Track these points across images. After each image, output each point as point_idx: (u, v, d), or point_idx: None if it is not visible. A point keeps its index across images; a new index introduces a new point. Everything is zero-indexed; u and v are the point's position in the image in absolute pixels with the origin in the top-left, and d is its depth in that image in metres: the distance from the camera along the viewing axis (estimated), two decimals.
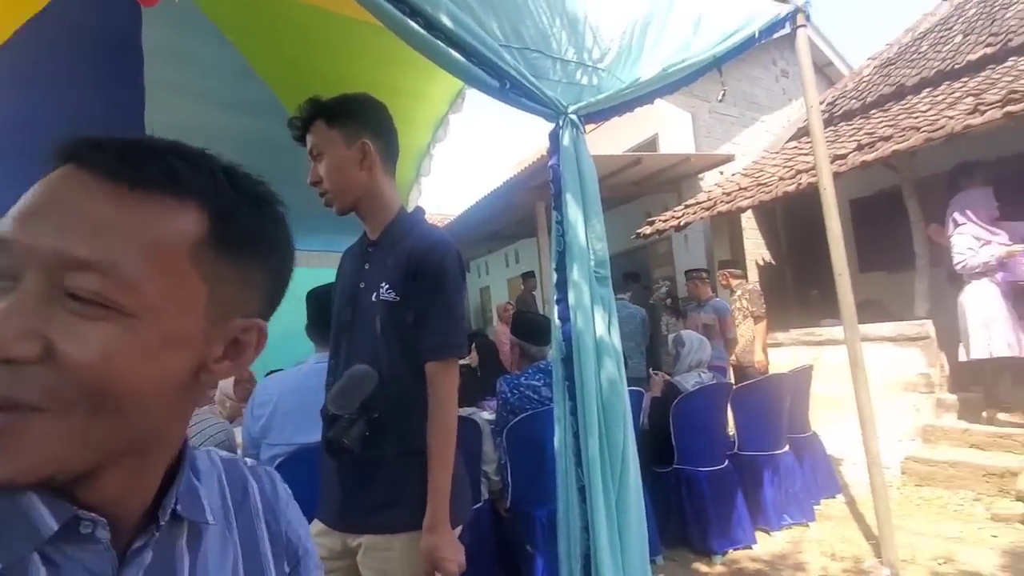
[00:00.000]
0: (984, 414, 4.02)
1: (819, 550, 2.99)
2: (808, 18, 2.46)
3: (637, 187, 7.45)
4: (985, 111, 3.62)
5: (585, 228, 1.46)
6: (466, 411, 2.60)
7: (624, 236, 7.03)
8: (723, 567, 2.89)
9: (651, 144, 8.58)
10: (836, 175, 4.56)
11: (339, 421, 1.14)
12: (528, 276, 7.71)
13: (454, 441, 1.15)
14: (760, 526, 3.25)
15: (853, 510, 3.49)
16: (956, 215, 3.93)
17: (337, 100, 1.25)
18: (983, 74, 4.88)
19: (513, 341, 2.34)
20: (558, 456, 1.55)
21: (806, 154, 5.37)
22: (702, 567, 2.91)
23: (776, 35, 2.24)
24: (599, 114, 1.57)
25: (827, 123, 6.36)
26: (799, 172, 5.00)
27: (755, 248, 7.79)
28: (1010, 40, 4.99)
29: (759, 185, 5.31)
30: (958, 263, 3.90)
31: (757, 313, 4.99)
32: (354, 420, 1.13)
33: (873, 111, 5.80)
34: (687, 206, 6.20)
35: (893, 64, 6.37)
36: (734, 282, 5.23)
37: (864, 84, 6.46)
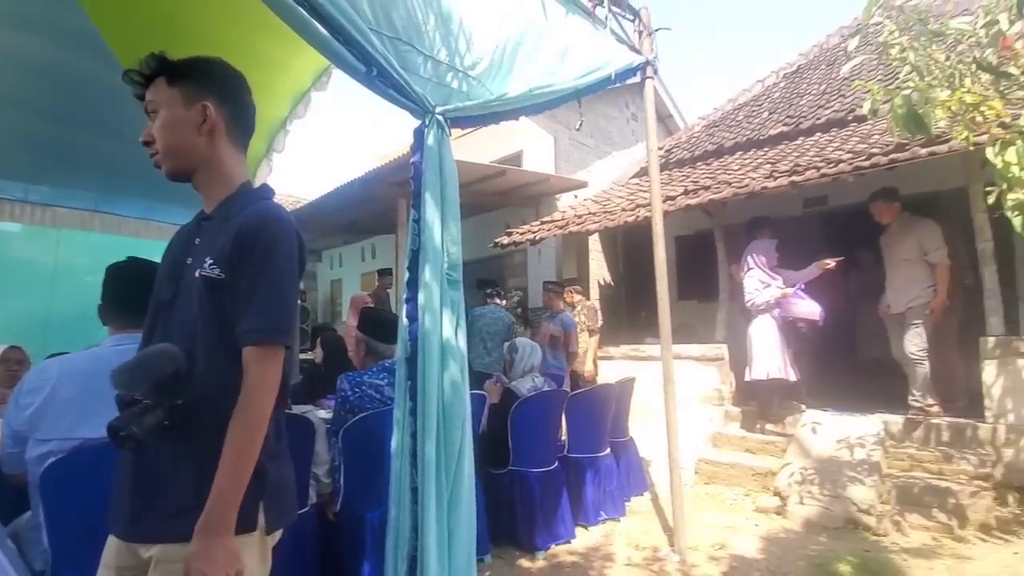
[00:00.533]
0: (758, 424, 4.86)
1: (626, 542, 3.34)
2: (656, 71, 2.79)
3: (499, 198, 7.70)
4: (777, 177, 4.43)
5: (441, 230, 1.48)
6: (301, 409, 2.44)
7: (483, 244, 7.23)
8: (544, 562, 3.07)
9: (516, 159, 8.95)
10: (666, 213, 5.22)
11: (133, 406, 0.98)
12: (384, 273, 7.51)
13: (259, 440, 1.02)
14: (580, 522, 3.52)
15: (656, 506, 3.95)
16: (748, 259, 4.74)
17: (185, 59, 1.15)
18: (779, 147, 5.97)
19: (359, 337, 2.26)
20: (394, 457, 1.53)
21: (645, 191, 6.05)
22: (526, 563, 3.06)
23: (629, 81, 2.50)
24: (466, 120, 1.61)
25: (663, 167, 7.24)
26: (639, 206, 5.61)
27: (598, 269, 8.53)
28: (801, 123, 6.18)
29: (606, 212, 5.85)
30: (748, 300, 4.70)
31: (592, 328, 5.48)
32: (150, 407, 0.99)
33: (699, 163, 6.76)
34: (543, 222, 6.58)
35: (717, 126, 7.49)
36: (576, 298, 5.68)
37: (694, 139, 7.50)
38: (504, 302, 6.11)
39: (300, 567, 2.28)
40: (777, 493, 3.90)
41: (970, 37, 1.95)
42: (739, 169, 5.45)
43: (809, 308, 4.58)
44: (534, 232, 6.33)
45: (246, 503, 1.01)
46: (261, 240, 1.07)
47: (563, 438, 3.69)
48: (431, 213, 1.46)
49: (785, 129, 6.19)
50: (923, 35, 1.96)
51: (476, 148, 8.77)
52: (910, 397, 4.17)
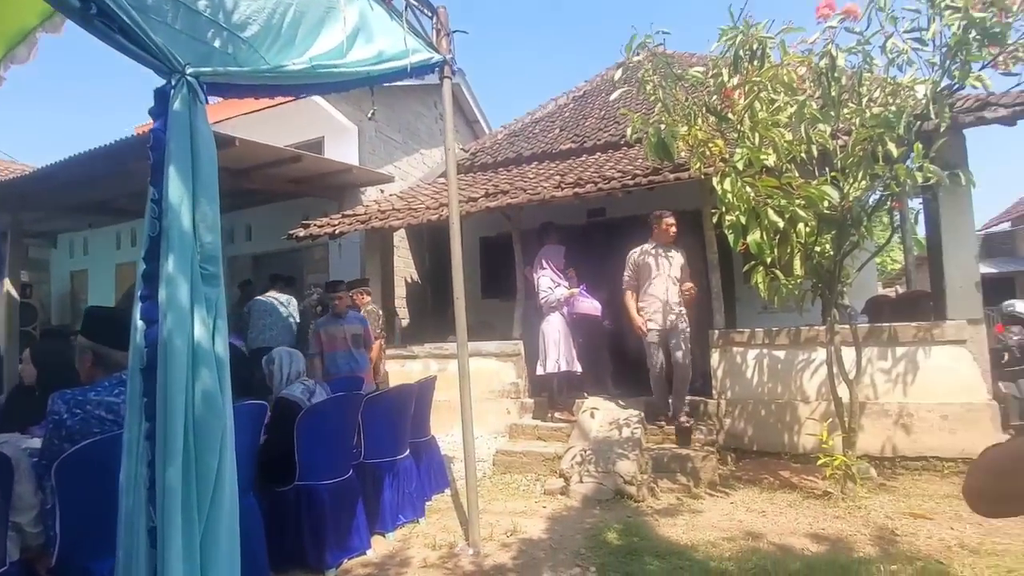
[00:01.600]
0: (548, 414, 5.29)
1: (424, 543, 3.30)
2: (454, 72, 2.81)
3: (298, 186, 7.06)
4: (564, 188, 4.88)
5: (192, 213, 1.23)
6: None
7: (280, 235, 6.55)
8: None
9: (316, 146, 8.32)
10: (469, 214, 5.37)
11: None
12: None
13: None
14: (377, 530, 3.38)
15: (456, 502, 4.00)
16: (542, 261, 5.14)
17: None
18: (568, 161, 6.61)
19: (83, 344, 1.78)
20: (123, 493, 1.24)
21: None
22: None
23: (428, 77, 2.46)
24: (231, 88, 1.38)
25: (468, 169, 7.45)
26: (443, 204, 5.65)
27: (405, 266, 8.41)
28: (586, 142, 6.93)
29: (410, 209, 5.77)
30: (542, 298, 5.09)
31: (376, 334, 5.35)
32: None
33: (500, 169, 7.12)
34: (344, 216, 6.21)
35: (517, 136, 8.00)
36: (365, 299, 5.47)
37: (497, 145, 7.88)
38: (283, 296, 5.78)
39: None
40: (562, 475, 4.28)
41: (703, 84, 2.39)
42: (534, 178, 5.87)
43: (592, 306, 5.16)
44: (334, 225, 5.94)
45: None
46: None
47: (359, 443, 3.50)
48: (177, 192, 1.20)
49: (573, 146, 6.88)
50: (669, 77, 2.34)
51: (273, 129, 7.95)
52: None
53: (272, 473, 3.00)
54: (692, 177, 4.13)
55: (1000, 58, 2.64)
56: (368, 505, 3.29)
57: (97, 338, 1.77)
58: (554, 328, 5.09)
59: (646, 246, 4.65)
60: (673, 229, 4.54)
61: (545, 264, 5.12)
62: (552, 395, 5.31)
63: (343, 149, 7.97)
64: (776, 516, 3.42)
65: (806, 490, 3.82)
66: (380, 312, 5.68)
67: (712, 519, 3.45)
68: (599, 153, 6.56)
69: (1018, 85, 2.84)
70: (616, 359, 5.93)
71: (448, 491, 4.26)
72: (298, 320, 6.00)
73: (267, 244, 8.55)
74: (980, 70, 2.69)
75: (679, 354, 4.47)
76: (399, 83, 8.82)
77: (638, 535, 3.20)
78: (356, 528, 3.13)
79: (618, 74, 2.80)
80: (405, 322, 7.96)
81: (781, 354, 4.62)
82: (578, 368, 5.11)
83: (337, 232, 5.83)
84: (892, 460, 4.19)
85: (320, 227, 5.98)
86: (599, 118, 7.52)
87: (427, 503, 3.96)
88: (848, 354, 3.92)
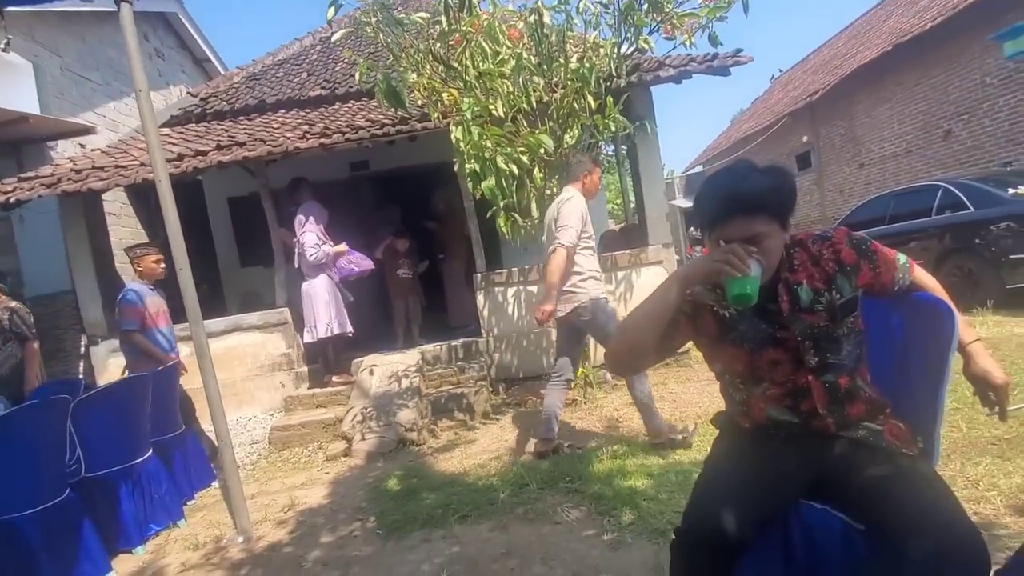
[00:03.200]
0: (325, 379, 5.10)
1: (184, 545, 2.96)
2: None
3: None
4: (309, 139, 4.55)
5: None
6: None
7: None
8: None
9: None
10: (199, 170, 4.66)
11: None
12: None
13: None
14: (121, 548, 2.91)
15: (225, 494, 3.64)
16: (301, 218, 4.77)
17: None
18: (319, 109, 6.14)
19: None
20: None
21: (175, 143, 5.19)
22: None
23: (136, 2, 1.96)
24: None
25: (199, 118, 6.39)
26: (168, 160, 4.76)
27: (134, 237, 6.97)
28: (337, 88, 6.49)
29: (119, 167, 4.73)
30: (310, 256, 4.73)
31: (24, 334, 4.13)
32: None
33: (240, 117, 6.26)
34: (22, 179, 4.80)
35: (257, 80, 7.08)
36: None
37: (234, 90, 6.88)
38: None
39: None
40: (344, 437, 4.21)
41: (427, 30, 2.41)
42: (278, 128, 5.33)
43: (362, 262, 5.03)
44: (7, 192, 4.55)
45: None
46: None
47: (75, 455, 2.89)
48: None
49: (324, 93, 6.39)
50: (389, 21, 2.29)
51: None
52: None
53: None
54: (437, 127, 4.22)
55: (663, 24, 3.25)
56: (101, 524, 2.78)
57: None
58: (322, 290, 4.83)
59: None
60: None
61: (307, 221, 4.75)
62: (328, 361, 5.12)
63: (14, 92, 6.07)
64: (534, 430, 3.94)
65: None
66: (27, 308, 4.29)
67: (484, 445, 3.81)
68: (352, 101, 6.23)
69: (675, 49, 3.54)
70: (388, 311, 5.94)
71: (215, 484, 3.86)
72: None
73: None
74: (649, 34, 3.29)
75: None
76: (90, 8, 6.99)
77: (417, 476, 3.36)
78: (85, 555, 2.62)
79: (331, 12, 2.63)
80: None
81: (535, 288, 5.19)
82: (350, 329, 4.99)
83: (12, 200, 4.49)
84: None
85: None
86: (349, 63, 7.08)
87: (188, 503, 3.54)
88: None
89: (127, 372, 3.93)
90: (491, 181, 2.83)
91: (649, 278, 5.03)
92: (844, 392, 1.25)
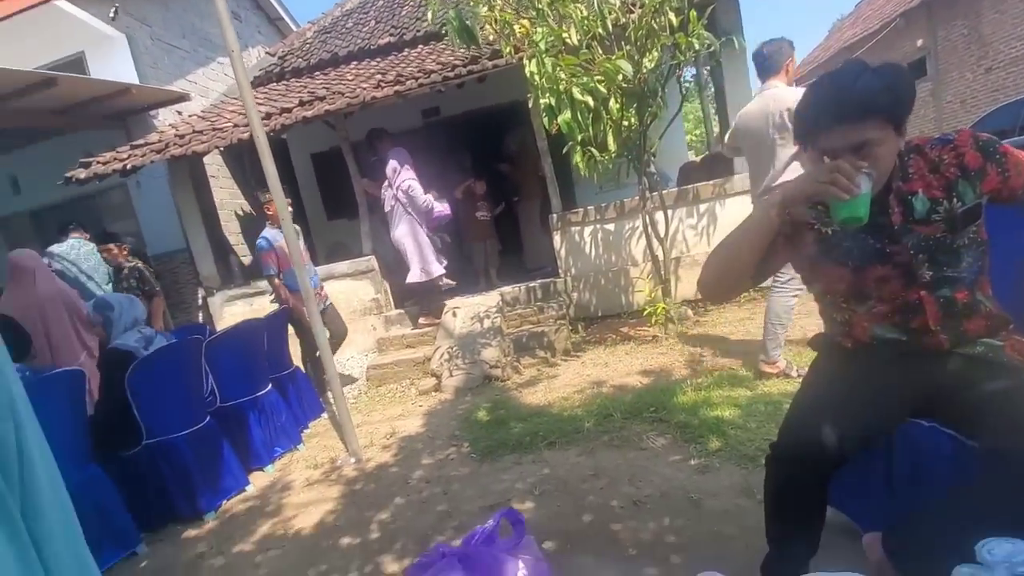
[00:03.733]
0: (419, 320, 5.39)
1: (305, 465, 3.36)
2: None
3: (61, 118, 5.79)
4: (384, 88, 4.61)
5: None
6: None
7: (58, 180, 5.40)
8: (215, 521, 2.84)
9: (76, 65, 6.79)
10: (285, 127, 4.90)
11: None
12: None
13: None
14: (254, 467, 3.35)
15: (333, 423, 4.06)
16: (395, 164, 4.86)
17: None
18: (389, 57, 6.17)
19: None
20: None
21: (260, 103, 5.47)
22: (192, 532, 2.77)
23: None
24: None
25: (280, 76, 6.65)
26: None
27: (232, 197, 7.55)
28: (405, 34, 6.48)
29: (215, 130, 5.08)
30: (423, 200, 4.88)
31: (150, 291, 4.82)
32: None
33: (316, 72, 6.44)
34: (134, 147, 5.29)
35: (328, 33, 7.20)
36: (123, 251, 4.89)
37: (308, 46, 7.05)
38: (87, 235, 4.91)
39: None
40: (433, 374, 4.50)
41: None
42: (353, 79, 5.44)
43: (443, 208, 5.16)
44: (123, 160, 5.05)
45: None
46: None
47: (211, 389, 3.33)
48: None
49: (392, 40, 6.40)
50: None
51: (13, 50, 6.29)
52: None
53: (116, 439, 2.77)
54: (510, 64, 4.13)
55: None
56: (237, 446, 3.22)
57: None
58: (411, 237, 5.00)
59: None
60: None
61: (400, 167, 4.88)
62: (420, 303, 5.38)
63: (114, 65, 6.60)
64: (616, 364, 3.99)
65: (640, 339, 4.48)
66: (148, 266, 5.01)
67: (566, 379, 3.93)
68: (421, 46, 6.20)
69: None
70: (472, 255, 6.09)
71: (324, 415, 4.29)
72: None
73: (44, 195, 7.05)
74: None
75: None
76: None
77: (504, 408, 3.56)
78: (228, 469, 3.07)
79: None
80: (247, 259, 7.33)
81: (611, 226, 5.12)
82: (442, 272, 5.15)
83: (129, 167, 4.98)
84: (704, 301, 5.02)
85: (105, 164, 5.05)
86: (415, 6, 7.01)
87: (304, 431, 3.97)
88: (662, 217, 4.47)
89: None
90: (567, 115, 2.77)
91: (735, 210, 4.79)
92: (962, 307, 1.18)
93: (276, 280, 4.21)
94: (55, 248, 4.85)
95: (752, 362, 3.28)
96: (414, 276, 5.09)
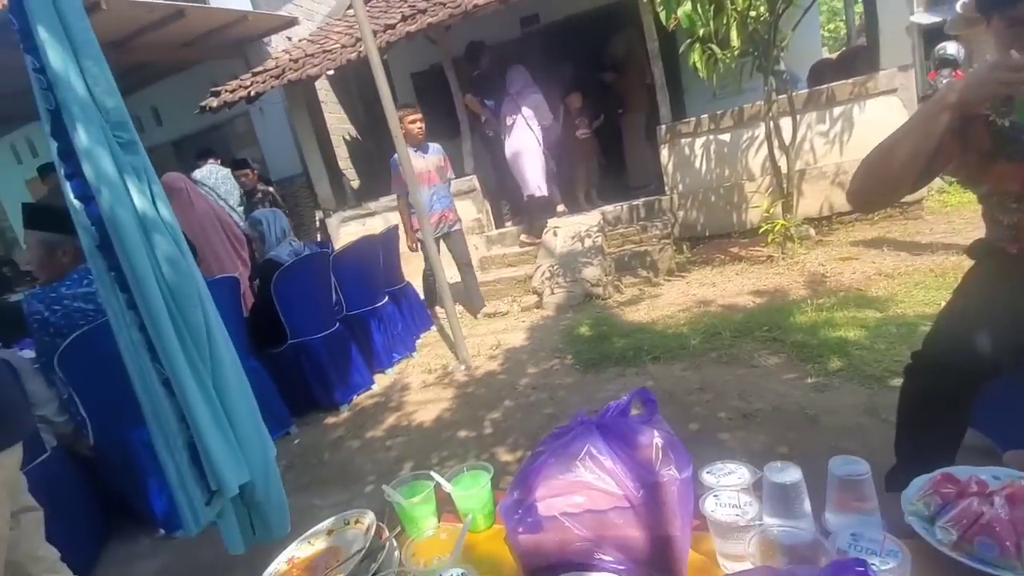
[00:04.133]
0: (521, 239, 5.47)
1: (420, 370, 3.69)
2: None
3: (191, 49, 6.25)
4: None
5: (83, 78, 1.15)
6: None
7: (191, 111, 5.95)
8: (349, 412, 3.25)
9: None
10: (390, 44, 4.92)
11: None
12: (47, 169, 5.79)
13: None
14: (376, 369, 3.73)
15: (442, 334, 4.36)
16: (519, 80, 4.80)
17: None
18: None
19: (34, 241, 1.75)
20: (128, 358, 1.35)
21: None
22: (331, 419, 3.20)
23: None
24: None
25: None
26: (359, 40, 5.12)
27: (339, 123, 7.89)
28: None
29: (325, 52, 5.23)
30: (547, 119, 4.88)
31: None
32: None
33: None
34: (254, 74, 5.63)
35: None
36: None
37: None
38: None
39: (72, 513, 2.01)
40: (534, 291, 4.62)
41: None
42: None
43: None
44: (247, 87, 5.40)
45: None
46: None
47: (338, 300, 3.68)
48: (58, 56, 1.10)
49: None
50: None
51: None
52: None
53: (266, 338, 3.20)
54: None
55: None
56: (362, 350, 3.58)
57: (44, 227, 1.74)
58: (532, 153, 4.94)
59: None
60: None
61: (522, 84, 4.79)
62: (525, 222, 5.42)
63: None
64: (725, 285, 3.84)
65: (752, 259, 4.23)
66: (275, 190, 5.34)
67: (670, 299, 3.86)
68: None
69: None
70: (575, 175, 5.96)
71: (433, 328, 4.60)
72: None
73: (182, 126, 7.81)
74: None
75: None
76: None
77: (606, 324, 3.60)
78: (356, 369, 3.45)
79: None
80: (355, 183, 7.73)
81: (727, 137, 4.72)
82: (548, 191, 5.11)
83: (253, 94, 5.33)
84: (829, 219, 4.58)
85: (232, 91, 5.44)
86: None
87: (416, 341, 4.30)
88: (789, 124, 4.01)
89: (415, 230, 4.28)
90: (687, 6, 2.51)
91: (878, 112, 4.19)
92: None
93: (400, 201, 4.18)
94: (195, 174, 5.44)
95: (886, 283, 3.00)
96: (532, 190, 5.03)
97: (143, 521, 2.29)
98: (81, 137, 1.17)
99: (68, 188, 1.21)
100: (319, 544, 0.97)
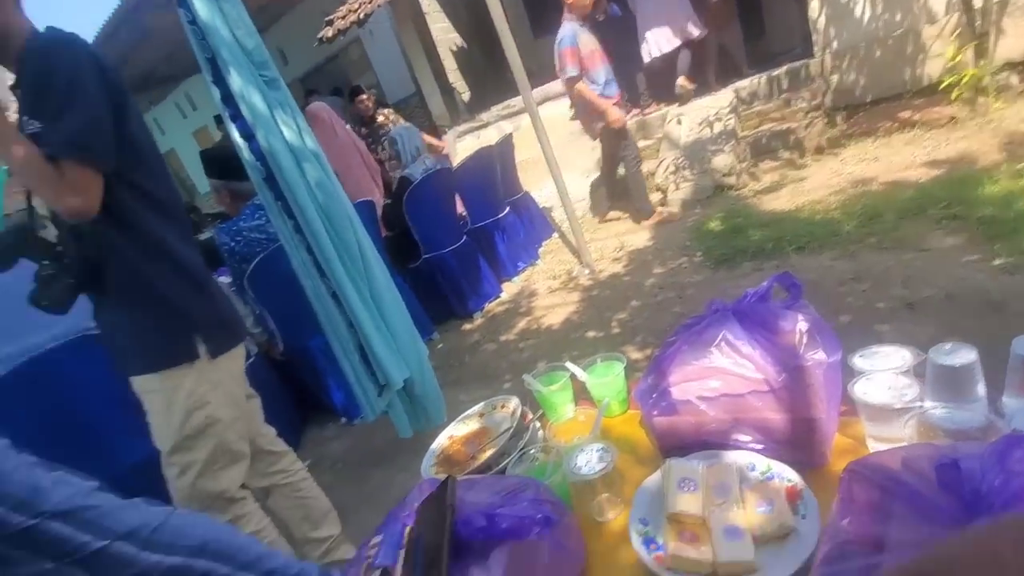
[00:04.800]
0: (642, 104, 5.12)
1: (545, 276, 3.78)
2: None
3: None
4: None
5: (227, 23, 1.26)
6: None
7: (310, 46, 6.26)
8: (482, 319, 3.48)
9: None
10: None
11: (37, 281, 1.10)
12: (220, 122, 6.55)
13: (41, 183, 1.06)
14: (503, 278, 3.90)
15: (564, 241, 4.37)
16: None
17: None
18: None
19: (217, 185, 2.06)
20: (301, 276, 1.57)
21: None
22: (467, 326, 3.46)
23: None
24: None
25: None
26: None
27: (444, 34, 7.76)
28: None
29: None
30: None
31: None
32: (49, 277, 1.10)
33: None
34: None
35: None
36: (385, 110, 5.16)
37: None
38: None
39: (274, 409, 2.49)
40: (658, 188, 4.38)
41: None
42: None
43: None
44: (355, 11, 5.49)
45: (181, 338, 1.23)
46: (40, 68, 1.06)
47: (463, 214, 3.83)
48: (203, 4, 1.22)
49: None
50: None
51: None
52: None
53: (404, 256, 3.48)
54: None
55: None
56: (489, 260, 3.75)
57: (223, 176, 2.03)
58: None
59: None
60: None
61: None
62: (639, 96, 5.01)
63: None
64: (890, 158, 3.31)
65: (928, 123, 3.55)
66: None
67: (818, 181, 3.44)
68: None
69: None
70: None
71: (555, 235, 4.61)
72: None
73: (305, 63, 8.24)
74: None
75: None
76: None
77: (741, 216, 3.34)
78: (485, 278, 3.64)
79: None
80: (466, 96, 7.69)
81: None
82: (677, 41, 4.54)
83: (362, 16, 5.41)
84: None
85: (343, 18, 5.57)
86: None
87: (539, 248, 4.37)
88: None
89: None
90: None
91: None
92: None
93: (580, 83, 3.54)
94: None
95: None
96: (651, 53, 4.60)
97: (329, 411, 2.76)
98: (235, 80, 1.31)
99: (233, 129, 1.38)
100: (472, 425, 1.11)
